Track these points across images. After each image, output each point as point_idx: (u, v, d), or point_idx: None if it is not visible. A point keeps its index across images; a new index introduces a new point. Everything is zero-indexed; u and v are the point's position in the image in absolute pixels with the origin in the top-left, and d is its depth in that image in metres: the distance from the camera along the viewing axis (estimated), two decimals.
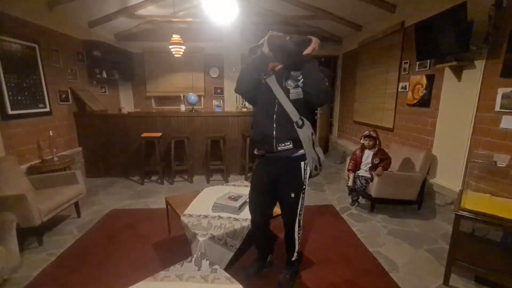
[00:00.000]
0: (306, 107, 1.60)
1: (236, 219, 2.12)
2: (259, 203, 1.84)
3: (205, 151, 4.58)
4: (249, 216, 1.94)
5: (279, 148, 1.60)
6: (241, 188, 2.75)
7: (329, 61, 6.32)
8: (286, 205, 1.78)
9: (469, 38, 2.49)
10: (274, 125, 1.59)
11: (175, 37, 4.67)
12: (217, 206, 2.28)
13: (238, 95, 5.88)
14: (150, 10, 4.77)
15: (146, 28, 5.54)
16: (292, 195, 1.70)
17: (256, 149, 1.78)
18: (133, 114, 4.73)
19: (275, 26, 5.29)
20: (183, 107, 5.00)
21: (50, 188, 2.85)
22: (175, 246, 2.47)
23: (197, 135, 4.59)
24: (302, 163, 1.66)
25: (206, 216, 2.16)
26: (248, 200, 1.93)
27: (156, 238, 2.63)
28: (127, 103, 6.03)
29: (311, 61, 1.55)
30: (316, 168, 1.66)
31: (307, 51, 1.53)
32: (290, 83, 1.60)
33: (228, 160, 4.62)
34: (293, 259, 1.92)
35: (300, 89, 1.58)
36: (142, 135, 4.15)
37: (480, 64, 2.56)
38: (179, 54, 4.80)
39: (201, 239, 1.85)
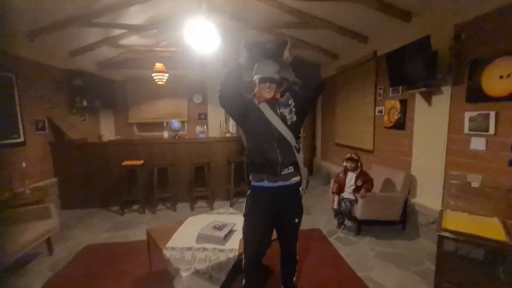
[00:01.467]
0: (297, 131, 1.69)
1: (221, 250, 2.04)
2: (261, 235, 1.73)
3: (189, 177, 4.48)
4: (234, 246, 1.88)
5: (283, 172, 1.64)
6: (226, 216, 2.69)
7: None
8: (291, 231, 1.81)
9: (435, 67, 2.71)
10: (278, 151, 1.62)
11: (158, 65, 4.74)
12: (202, 236, 2.20)
13: (221, 121, 5.93)
14: (133, 40, 4.85)
15: (129, 57, 5.59)
16: (296, 220, 1.76)
17: (253, 176, 1.72)
18: (113, 142, 4.62)
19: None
20: (166, 134, 4.96)
21: (21, 224, 2.65)
22: (157, 283, 2.32)
23: (181, 162, 4.52)
24: (300, 188, 1.75)
25: (190, 248, 2.06)
26: (243, 233, 1.79)
27: (136, 274, 2.47)
28: (108, 131, 5.90)
29: (294, 60, 1.62)
30: (306, 186, 1.78)
31: (286, 54, 1.61)
32: (284, 110, 1.65)
33: (213, 186, 4.54)
34: (294, 279, 1.97)
35: (293, 113, 1.65)
36: (123, 164, 4.03)
37: (447, 90, 2.76)
38: (162, 81, 4.84)
39: (184, 274, 1.75)
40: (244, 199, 1.82)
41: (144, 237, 2.52)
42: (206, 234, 2.19)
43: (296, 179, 1.71)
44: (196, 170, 4.35)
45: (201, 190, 4.45)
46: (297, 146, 1.67)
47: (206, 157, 4.53)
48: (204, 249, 2.06)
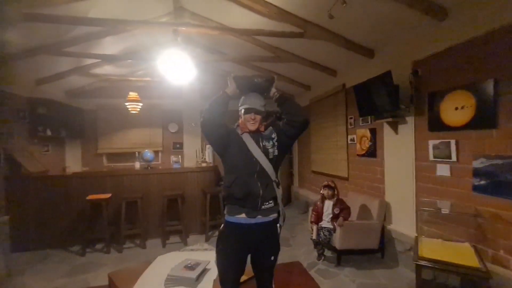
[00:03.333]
0: (278, 166, 1.68)
1: None
2: (237, 274, 1.64)
3: (161, 211, 4.22)
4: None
5: (263, 207, 1.58)
6: (200, 253, 2.50)
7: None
8: (266, 269, 1.71)
9: (398, 99, 2.91)
10: (259, 184, 1.57)
11: (132, 95, 4.65)
12: (171, 278, 2.00)
13: (197, 150, 5.82)
14: (106, 69, 4.77)
15: (101, 86, 5.45)
16: (272, 258, 1.68)
17: (230, 210, 1.62)
18: (78, 174, 4.29)
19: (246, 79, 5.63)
20: (137, 165, 4.72)
21: None
22: None
23: (152, 194, 4.27)
24: (277, 225, 1.68)
25: None
26: (219, 272, 1.67)
27: None
28: (74, 162, 5.52)
29: (280, 96, 1.66)
30: (283, 221, 1.72)
31: (273, 90, 1.67)
32: (267, 143, 1.63)
33: (187, 220, 4.29)
34: None
35: (276, 148, 1.64)
36: (87, 198, 3.71)
37: (410, 120, 2.95)
38: (136, 110, 4.73)
39: None
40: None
41: (106, 282, 2.24)
42: (176, 275, 2.00)
43: (274, 215, 1.65)
44: (169, 202, 4.11)
45: (174, 224, 4.18)
46: (277, 180, 1.65)
47: (180, 189, 4.33)
48: None
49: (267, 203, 1.59)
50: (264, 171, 1.60)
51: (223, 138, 1.62)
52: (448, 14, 2.46)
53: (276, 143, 1.65)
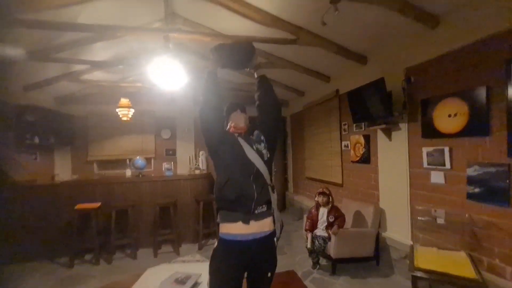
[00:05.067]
0: (271, 169, 1.63)
1: None
2: None
3: (152, 220, 4.12)
4: None
5: (256, 211, 1.51)
6: (192, 265, 2.42)
7: None
8: (262, 286, 1.62)
9: (391, 105, 2.90)
10: (254, 186, 1.51)
11: (123, 101, 4.57)
12: None
13: (190, 156, 5.74)
14: (96, 75, 4.68)
15: (92, 92, 5.35)
16: (269, 274, 1.59)
17: (223, 217, 1.54)
18: (67, 182, 4.18)
19: (228, 92, 5.62)
20: (129, 172, 4.62)
21: None
22: None
23: (144, 203, 4.17)
24: (275, 239, 1.61)
25: None
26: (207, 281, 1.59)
27: None
28: (63, 170, 5.37)
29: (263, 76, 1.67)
30: (280, 232, 1.65)
31: (255, 61, 1.66)
32: (259, 146, 1.60)
33: (180, 228, 4.20)
34: None
35: (267, 149, 1.62)
36: (76, 208, 3.60)
37: (404, 126, 2.94)
38: (127, 117, 4.64)
39: None
40: (214, 241, 1.62)
41: None
42: None
43: (270, 226, 1.58)
44: (161, 211, 4.02)
45: (166, 233, 4.09)
46: (272, 185, 1.61)
47: (173, 196, 4.25)
48: None
49: (261, 207, 1.53)
50: (260, 174, 1.55)
51: (221, 127, 1.58)
52: (440, 22, 2.48)
53: (266, 145, 1.62)
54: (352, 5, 2.36)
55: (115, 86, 4.94)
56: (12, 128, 4.09)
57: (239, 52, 1.62)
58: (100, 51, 3.97)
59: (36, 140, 4.39)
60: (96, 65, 4.11)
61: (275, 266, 1.62)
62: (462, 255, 2.17)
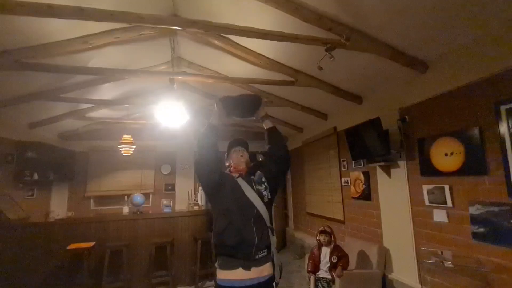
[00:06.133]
0: (271, 211, 1.62)
1: None
2: None
3: (148, 260, 3.93)
4: None
5: (257, 256, 1.49)
6: None
7: None
8: None
9: (388, 143, 2.98)
10: (255, 231, 1.50)
11: (126, 137, 4.64)
12: None
13: (189, 191, 5.68)
14: (102, 113, 4.83)
15: (95, 128, 5.47)
16: None
17: (222, 263, 1.50)
18: (61, 221, 4.06)
19: (226, 127, 5.75)
20: (126, 209, 4.52)
21: None
22: None
23: (140, 241, 4.02)
24: (274, 283, 1.56)
25: None
26: None
27: None
28: (59, 206, 5.25)
29: (270, 122, 1.69)
30: (280, 276, 1.61)
31: (262, 112, 1.69)
32: (260, 187, 1.60)
33: (176, 269, 4.00)
34: None
35: (268, 191, 1.61)
36: (68, 248, 3.45)
37: (402, 164, 2.98)
38: (129, 153, 4.68)
39: None
40: (212, 283, 1.55)
41: None
42: None
43: (269, 271, 1.54)
44: (157, 250, 3.86)
45: (161, 274, 3.88)
46: (272, 227, 1.60)
47: (170, 235, 4.11)
48: None
49: (261, 252, 1.51)
50: (261, 216, 1.55)
51: (216, 177, 1.57)
52: (429, 67, 2.66)
53: (267, 186, 1.62)
54: (346, 52, 2.55)
55: (119, 122, 5.06)
56: (12, 165, 4.10)
57: (245, 103, 1.69)
58: (108, 91, 4.15)
59: (35, 176, 4.37)
60: (103, 104, 4.27)
61: None
62: None
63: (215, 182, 1.58)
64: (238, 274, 1.46)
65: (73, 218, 4.55)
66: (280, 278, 1.62)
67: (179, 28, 2.38)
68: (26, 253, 3.59)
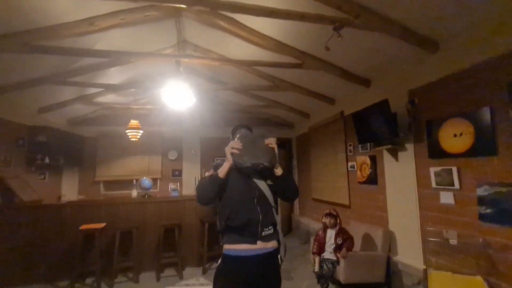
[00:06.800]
0: (275, 193, 1.66)
1: None
2: None
3: (157, 241, 4.05)
4: None
5: (263, 233, 1.53)
6: None
7: (284, 143, 6.80)
8: None
9: (396, 126, 2.94)
10: (259, 209, 1.54)
11: (133, 122, 4.69)
12: None
13: (196, 177, 5.77)
14: (109, 98, 4.87)
15: (103, 114, 5.53)
16: None
17: (228, 239, 1.55)
18: (73, 203, 4.19)
19: (231, 114, 5.76)
20: (135, 193, 4.63)
21: None
22: None
23: (149, 224, 4.12)
24: (278, 256, 1.61)
25: None
26: None
27: None
28: (70, 190, 5.41)
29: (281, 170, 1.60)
30: (284, 254, 1.64)
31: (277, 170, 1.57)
32: (264, 171, 1.61)
33: (184, 251, 4.10)
34: None
35: (270, 180, 1.64)
36: (80, 228, 3.57)
37: (410, 147, 2.95)
38: (136, 138, 4.74)
39: None
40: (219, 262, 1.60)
41: None
42: None
43: (274, 244, 1.59)
44: (165, 232, 3.96)
45: (170, 255, 3.99)
46: (276, 206, 1.63)
47: (177, 218, 4.20)
48: None
49: (267, 229, 1.56)
50: (264, 195, 1.59)
51: (216, 200, 1.63)
52: (440, 47, 2.58)
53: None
54: (354, 32, 2.49)
55: (127, 108, 5.10)
56: (24, 149, 4.20)
57: (258, 144, 1.53)
58: (114, 75, 4.16)
59: (47, 160, 4.48)
60: (110, 88, 4.29)
61: (279, 285, 1.59)
62: (478, 280, 2.08)
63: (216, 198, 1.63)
64: (244, 246, 1.52)
65: (84, 201, 4.70)
66: (285, 255, 1.64)
67: (184, 6, 2.35)
68: (40, 233, 3.73)
